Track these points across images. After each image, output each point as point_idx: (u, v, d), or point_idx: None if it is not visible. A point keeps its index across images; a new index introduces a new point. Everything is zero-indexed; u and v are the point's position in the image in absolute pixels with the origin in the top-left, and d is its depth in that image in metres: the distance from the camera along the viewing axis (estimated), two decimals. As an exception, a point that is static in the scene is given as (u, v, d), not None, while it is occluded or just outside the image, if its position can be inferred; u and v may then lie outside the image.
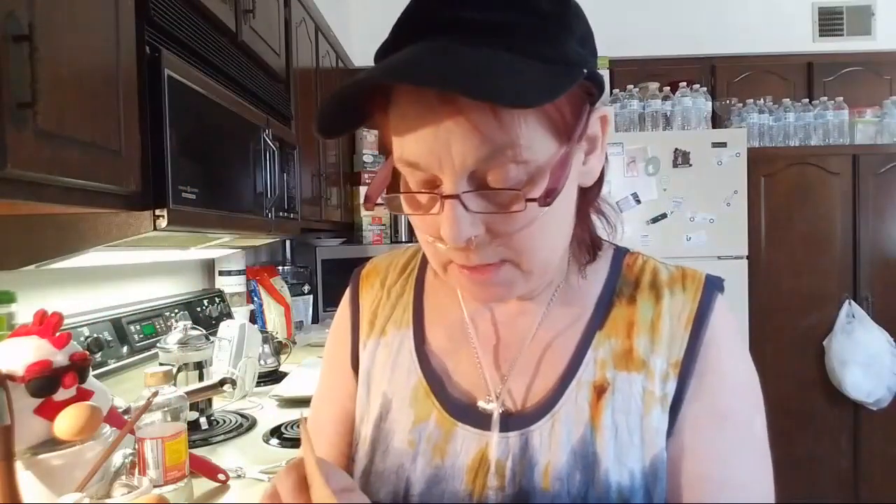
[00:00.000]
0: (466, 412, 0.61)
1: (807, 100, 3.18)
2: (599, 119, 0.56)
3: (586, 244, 0.62)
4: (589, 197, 0.60)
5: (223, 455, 1.36)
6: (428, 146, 0.48)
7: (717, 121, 3.17)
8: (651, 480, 0.56)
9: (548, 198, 0.48)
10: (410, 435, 0.62)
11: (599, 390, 0.58)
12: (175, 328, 1.59)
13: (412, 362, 0.65)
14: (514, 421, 0.59)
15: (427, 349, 0.65)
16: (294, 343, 2.44)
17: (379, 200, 0.55)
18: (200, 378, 1.55)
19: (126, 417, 1.03)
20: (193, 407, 1.46)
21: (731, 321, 0.62)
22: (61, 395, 0.85)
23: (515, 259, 0.53)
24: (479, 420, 0.60)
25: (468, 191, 0.49)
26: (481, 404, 0.60)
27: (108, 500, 0.83)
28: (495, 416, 0.59)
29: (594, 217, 0.63)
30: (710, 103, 3.04)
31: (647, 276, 0.63)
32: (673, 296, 0.61)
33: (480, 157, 0.48)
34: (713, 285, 0.62)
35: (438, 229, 0.50)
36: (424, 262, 0.71)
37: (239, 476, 1.22)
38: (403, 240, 3.20)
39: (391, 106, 0.51)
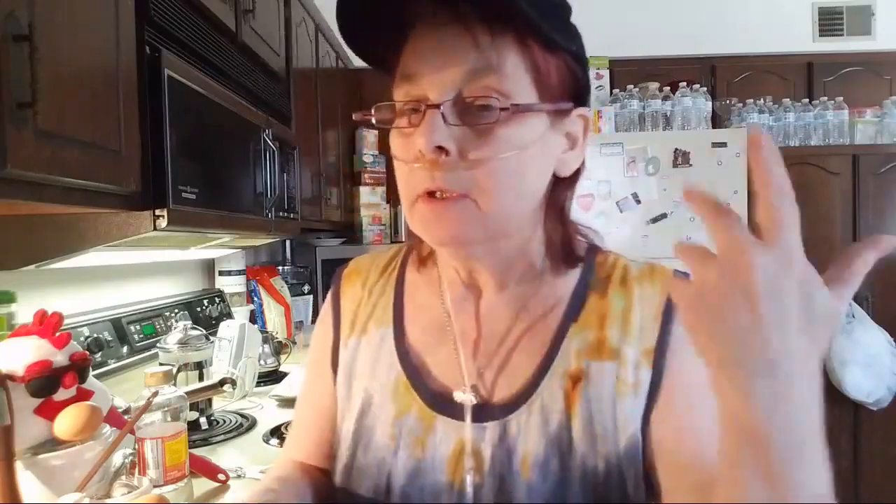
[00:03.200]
0: (445, 404, 0.63)
1: (807, 100, 3.18)
2: (581, 118, 0.61)
3: (558, 243, 0.65)
4: (561, 193, 0.64)
5: (223, 455, 1.36)
6: (424, 60, 0.55)
7: (717, 121, 3.16)
8: (626, 464, 0.58)
9: (517, 109, 0.54)
10: (392, 429, 0.64)
11: (574, 379, 0.60)
12: (175, 328, 1.59)
13: (392, 358, 0.67)
14: (492, 411, 0.61)
15: (407, 345, 0.68)
16: (294, 343, 2.44)
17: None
18: (200, 378, 1.55)
19: (126, 417, 1.03)
20: (193, 407, 1.46)
21: None
22: (61, 395, 0.85)
23: (475, 195, 0.55)
24: (458, 411, 0.62)
25: (448, 100, 0.54)
26: (457, 395, 0.62)
27: (108, 500, 0.83)
28: (468, 406, 0.61)
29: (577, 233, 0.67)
30: (710, 103, 3.03)
31: (618, 272, 0.66)
32: (642, 289, 0.64)
33: (462, 75, 0.54)
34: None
35: (417, 150, 0.54)
36: (405, 261, 0.74)
37: (239, 476, 1.22)
38: (403, 240, 3.20)
39: (408, 42, 0.58)
